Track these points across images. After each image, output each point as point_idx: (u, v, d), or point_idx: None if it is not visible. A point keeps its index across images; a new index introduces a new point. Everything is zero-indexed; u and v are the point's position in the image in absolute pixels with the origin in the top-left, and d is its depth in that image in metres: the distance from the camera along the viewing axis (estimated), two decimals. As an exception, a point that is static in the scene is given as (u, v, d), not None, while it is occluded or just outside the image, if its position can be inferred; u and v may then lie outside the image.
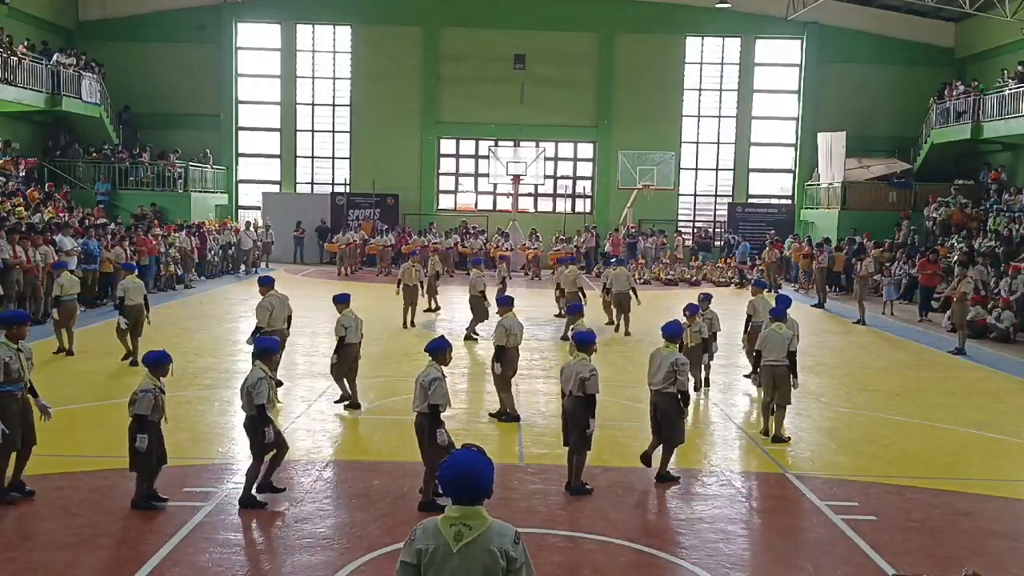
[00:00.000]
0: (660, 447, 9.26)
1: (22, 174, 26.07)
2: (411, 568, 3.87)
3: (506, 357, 11.42)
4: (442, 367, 8.37)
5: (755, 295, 14.14)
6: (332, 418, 11.58)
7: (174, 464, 9.24)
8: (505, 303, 12.07)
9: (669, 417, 9.11)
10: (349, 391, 11.89)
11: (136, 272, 15.47)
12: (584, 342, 8.88)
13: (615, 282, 18.31)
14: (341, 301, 12.16)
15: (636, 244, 31.90)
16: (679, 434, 9.21)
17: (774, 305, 11.83)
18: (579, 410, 8.63)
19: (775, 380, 10.65)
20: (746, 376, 13.97)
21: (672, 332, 9.40)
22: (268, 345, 8.68)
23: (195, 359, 14.84)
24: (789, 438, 10.84)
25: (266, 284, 12.61)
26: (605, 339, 17.50)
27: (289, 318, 12.76)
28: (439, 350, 8.44)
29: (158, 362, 8.22)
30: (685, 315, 12.55)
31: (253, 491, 8.27)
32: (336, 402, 11.95)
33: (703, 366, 13.07)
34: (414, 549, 3.87)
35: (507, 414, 11.51)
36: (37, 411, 8.46)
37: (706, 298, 13.19)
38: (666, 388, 9.06)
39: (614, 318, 18.69)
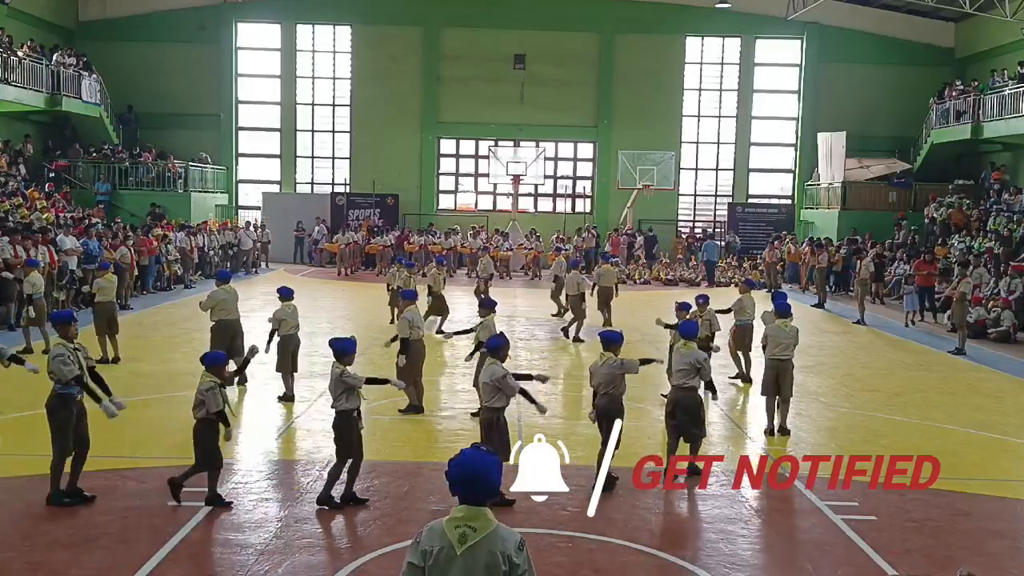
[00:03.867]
0: (682, 446, 9.35)
1: (51, 175, 26.86)
2: (417, 569, 3.89)
3: (412, 350, 11.50)
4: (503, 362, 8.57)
5: (743, 293, 14.28)
6: (332, 418, 11.56)
7: (174, 464, 9.24)
8: (487, 305, 12.18)
9: (690, 411, 9.21)
10: (287, 386, 12.13)
11: (111, 270, 15.57)
12: (610, 341, 8.95)
13: (604, 278, 18.76)
14: (285, 295, 12.37)
15: (633, 244, 31.95)
16: (702, 427, 9.45)
17: (758, 304, 12.16)
18: (614, 407, 8.68)
19: (778, 375, 10.85)
20: (732, 379, 13.99)
21: (688, 331, 9.66)
22: (215, 356, 8.60)
23: (195, 359, 14.81)
24: (790, 430, 11.10)
25: (286, 296, 12.44)
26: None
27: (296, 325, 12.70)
28: (498, 348, 8.61)
29: (215, 361, 8.34)
30: (678, 313, 12.54)
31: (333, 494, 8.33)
32: (281, 398, 12.07)
33: None
34: (420, 550, 3.89)
35: (413, 407, 11.67)
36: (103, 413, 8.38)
37: (704, 299, 13.15)
38: (686, 383, 9.19)
39: (602, 313, 18.70)
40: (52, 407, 8.02)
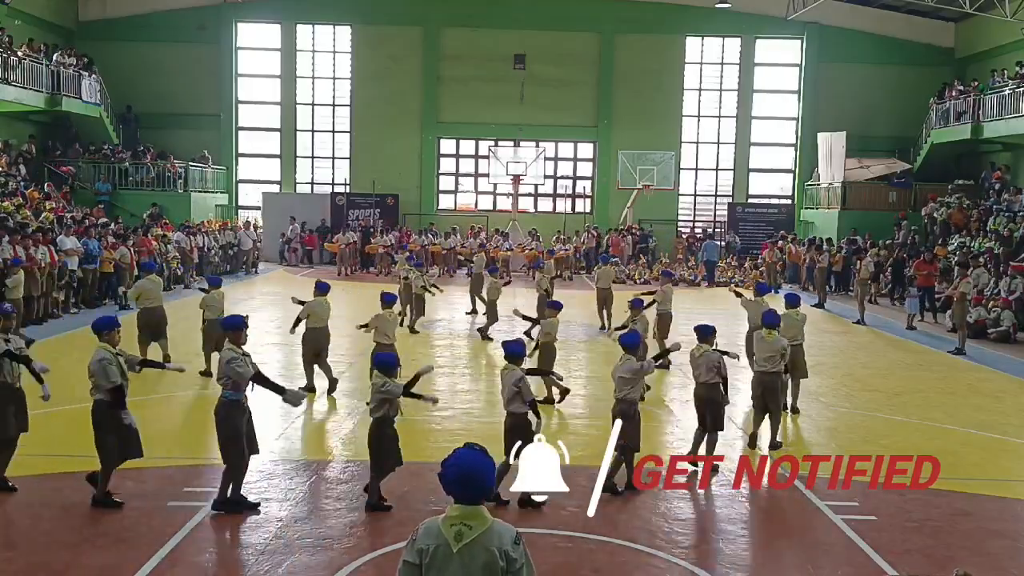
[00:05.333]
0: (705, 439, 9.69)
1: (66, 181, 27.27)
2: (413, 568, 3.88)
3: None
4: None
5: (663, 285, 15.64)
6: (332, 418, 11.58)
7: (174, 464, 9.27)
8: (554, 306, 12.96)
9: (713, 406, 9.58)
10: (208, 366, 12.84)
11: (154, 271, 16.12)
12: (630, 344, 9.11)
13: (601, 278, 18.90)
14: (321, 289, 12.95)
15: (647, 245, 32.00)
16: (721, 421, 9.72)
17: (771, 305, 12.43)
18: (629, 410, 8.84)
19: (764, 390, 10.38)
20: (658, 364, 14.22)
21: (705, 331, 9.85)
22: (233, 321, 8.58)
23: (194, 359, 14.82)
24: (781, 443, 10.66)
25: (321, 290, 13.00)
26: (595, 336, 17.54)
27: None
28: (517, 355, 8.64)
29: (234, 326, 8.37)
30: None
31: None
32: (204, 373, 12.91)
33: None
34: (416, 549, 3.88)
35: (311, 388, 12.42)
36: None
37: (637, 303, 13.34)
38: (710, 380, 9.56)
39: (599, 315, 18.78)
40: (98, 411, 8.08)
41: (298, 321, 12.65)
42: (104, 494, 8.08)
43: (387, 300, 12.51)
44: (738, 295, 14.60)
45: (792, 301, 12.36)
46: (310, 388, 12.40)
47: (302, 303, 12.95)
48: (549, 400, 12.06)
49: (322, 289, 12.87)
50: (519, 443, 8.15)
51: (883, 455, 9.49)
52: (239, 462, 8.04)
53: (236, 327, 8.36)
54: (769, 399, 10.38)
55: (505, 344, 8.75)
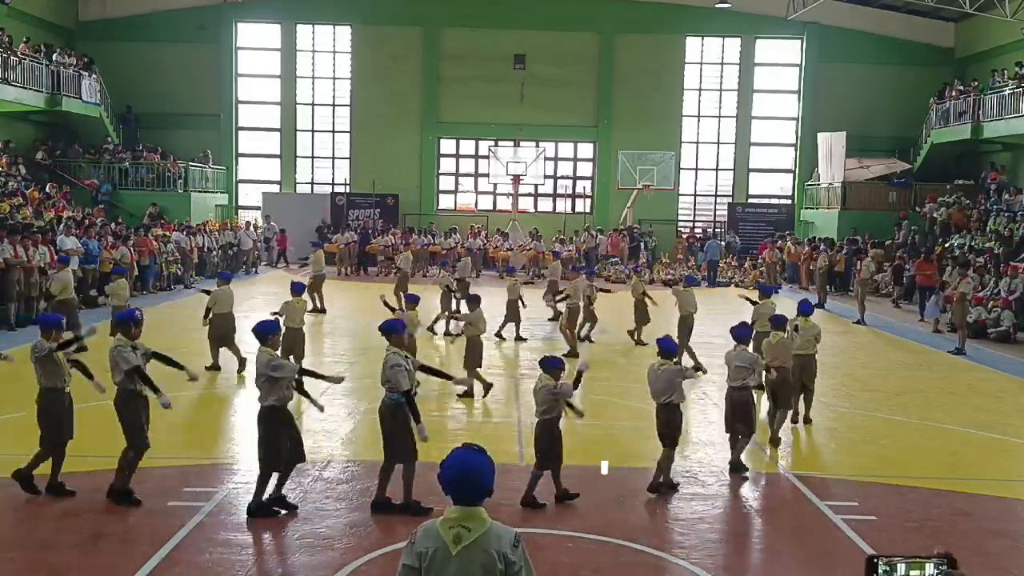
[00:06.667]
0: (739, 441, 9.53)
1: (97, 194, 27.63)
2: (412, 571, 3.87)
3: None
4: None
5: (571, 280, 16.82)
6: (332, 418, 11.58)
7: (174, 464, 9.27)
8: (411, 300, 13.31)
9: (745, 409, 9.43)
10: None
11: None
12: (667, 350, 8.97)
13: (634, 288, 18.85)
14: (223, 279, 14.49)
15: (638, 246, 31.97)
16: (753, 424, 9.55)
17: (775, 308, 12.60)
18: (674, 417, 8.82)
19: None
20: (565, 355, 14.83)
21: (741, 334, 9.79)
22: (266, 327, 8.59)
23: (193, 359, 14.82)
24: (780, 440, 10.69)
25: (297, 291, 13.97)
26: (610, 342, 17.54)
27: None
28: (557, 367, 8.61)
29: (270, 331, 8.40)
30: None
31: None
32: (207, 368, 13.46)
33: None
34: (415, 552, 3.87)
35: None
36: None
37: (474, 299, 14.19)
38: (741, 383, 9.41)
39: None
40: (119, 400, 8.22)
41: (207, 311, 13.79)
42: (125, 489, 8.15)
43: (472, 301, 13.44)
44: (748, 299, 15.40)
45: (804, 310, 11.84)
46: (215, 367, 13.63)
47: (207, 292, 14.34)
48: (469, 394, 12.34)
49: (297, 289, 13.81)
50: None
51: (883, 456, 9.49)
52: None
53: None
54: (806, 376, 10.86)
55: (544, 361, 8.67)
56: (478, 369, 12.68)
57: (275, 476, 8.03)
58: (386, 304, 13.81)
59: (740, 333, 9.87)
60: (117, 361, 8.12)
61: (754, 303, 14.48)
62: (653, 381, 8.83)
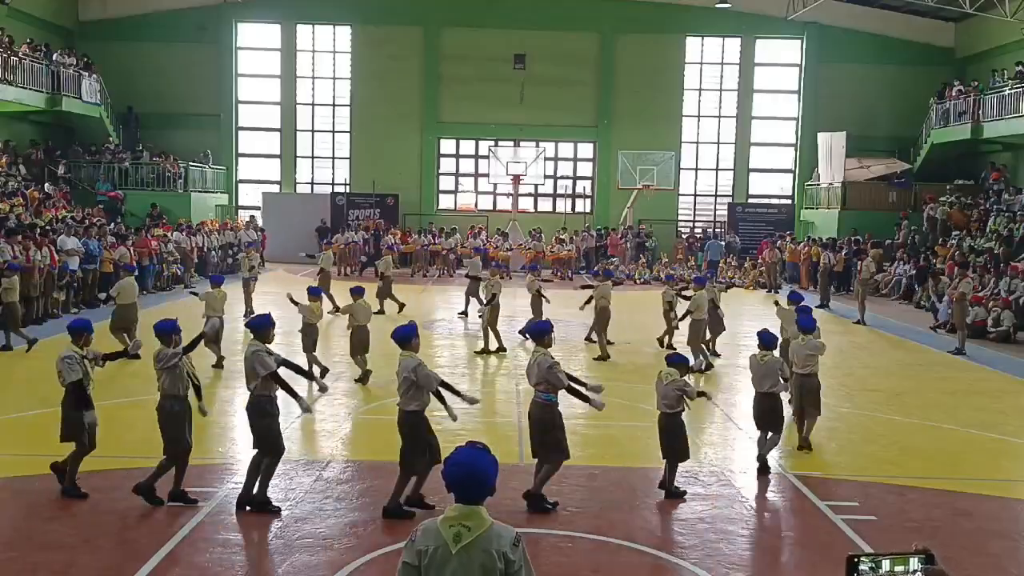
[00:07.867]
0: (768, 441, 9.60)
1: (122, 206, 27.74)
2: (412, 569, 3.87)
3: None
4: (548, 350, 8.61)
5: (492, 276, 16.74)
6: (332, 418, 11.59)
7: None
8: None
9: (775, 412, 9.54)
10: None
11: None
12: (679, 364, 8.88)
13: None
14: (215, 283, 15.27)
15: (640, 246, 31.98)
16: (781, 428, 9.68)
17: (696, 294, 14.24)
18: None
19: (801, 391, 10.39)
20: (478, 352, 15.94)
21: (767, 340, 9.69)
22: (262, 321, 8.64)
23: (192, 359, 14.81)
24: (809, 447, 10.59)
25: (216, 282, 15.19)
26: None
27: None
28: (542, 332, 8.70)
29: (264, 326, 8.47)
30: None
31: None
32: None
33: None
34: (415, 550, 3.87)
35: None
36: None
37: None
38: (768, 389, 9.46)
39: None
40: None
41: (108, 297, 15.03)
42: (151, 488, 8.16)
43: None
44: (680, 295, 16.08)
45: (807, 326, 10.66)
46: (219, 364, 14.21)
47: (196, 294, 15.44)
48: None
49: (357, 292, 14.06)
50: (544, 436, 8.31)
51: (883, 456, 9.49)
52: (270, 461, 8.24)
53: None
54: (807, 400, 10.36)
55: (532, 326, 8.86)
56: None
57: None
58: (291, 300, 14.52)
59: (767, 339, 9.70)
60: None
61: (687, 298, 15.35)
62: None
